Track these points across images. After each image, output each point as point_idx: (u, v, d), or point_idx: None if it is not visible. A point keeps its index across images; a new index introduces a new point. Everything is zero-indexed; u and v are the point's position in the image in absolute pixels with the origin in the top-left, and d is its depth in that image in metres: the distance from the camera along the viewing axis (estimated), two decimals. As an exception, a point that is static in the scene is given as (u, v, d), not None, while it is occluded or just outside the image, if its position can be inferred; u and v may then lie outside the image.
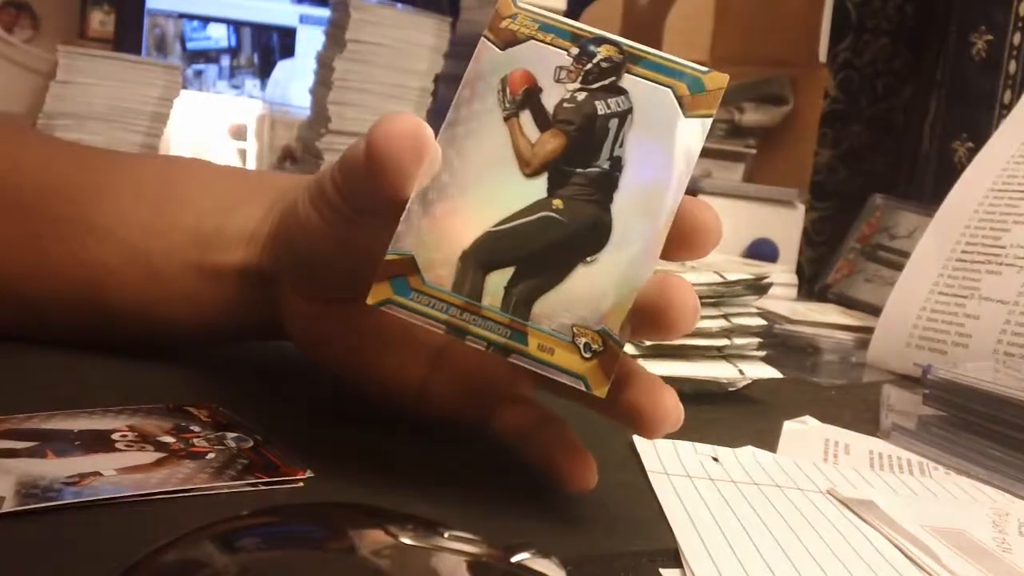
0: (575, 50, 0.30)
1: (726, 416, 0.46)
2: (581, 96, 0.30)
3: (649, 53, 0.30)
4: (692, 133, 0.30)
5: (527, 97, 0.30)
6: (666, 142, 0.30)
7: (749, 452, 0.39)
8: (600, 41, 0.30)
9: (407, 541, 0.20)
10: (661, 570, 0.27)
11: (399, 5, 1.19)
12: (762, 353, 0.50)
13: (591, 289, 0.28)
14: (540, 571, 0.21)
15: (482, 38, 0.30)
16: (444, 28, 1.09)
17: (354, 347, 0.34)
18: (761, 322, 0.50)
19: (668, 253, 0.29)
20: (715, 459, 0.38)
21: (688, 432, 0.40)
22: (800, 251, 0.95)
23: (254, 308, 0.38)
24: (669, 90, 0.30)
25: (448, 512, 0.29)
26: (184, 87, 1.06)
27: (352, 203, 0.30)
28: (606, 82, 0.30)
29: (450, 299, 0.28)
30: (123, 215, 0.39)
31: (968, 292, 0.61)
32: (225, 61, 3.37)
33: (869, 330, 0.65)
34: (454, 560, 0.20)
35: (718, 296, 0.49)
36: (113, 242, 0.38)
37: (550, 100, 0.30)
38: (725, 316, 0.48)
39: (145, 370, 0.39)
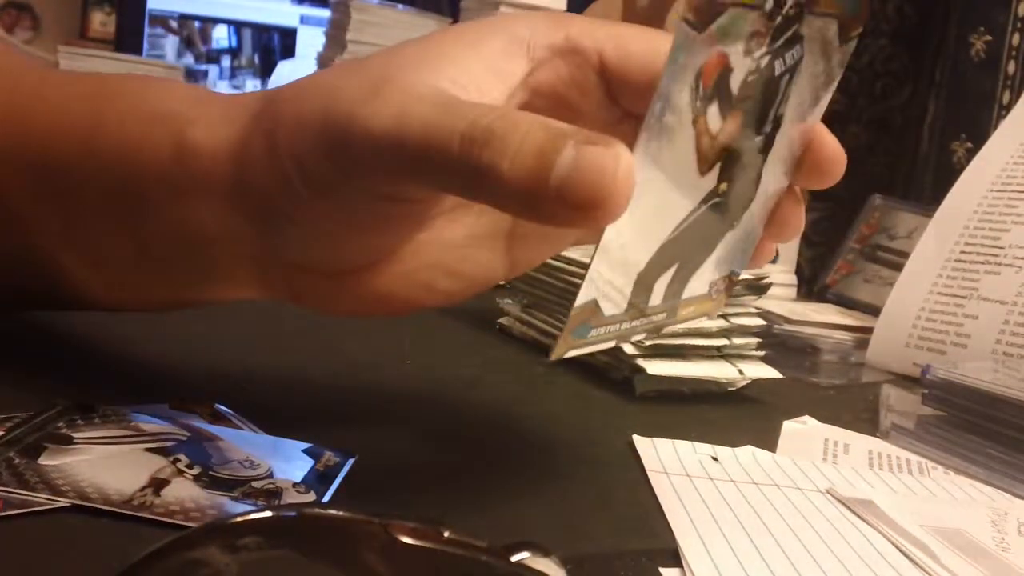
0: (769, 2, 0.25)
1: (725, 416, 0.46)
2: (765, 61, 0.25)
3: None
4: (842, 61, 0.28)
5: (717, 85, 0.25)
6: (819, 82, 0.27)
7: (748, 452, 0.39)
8: None
9: (407, 541, 0.20)
10: (661, 569, 0.27)
11: (399, 6, 1.19)
12: (761, 353, 0.50)
13: (732, 248, 0.28)
14: (540, 570, 0.21)
15: (679, 22, 0.23)
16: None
17: (418, 274, 0.32)
18: (760, 322, 0.50)
19: (794, 180, 0.30)
20: (714, 458, 0.38)
21: (687, 432, 0.40)
22: (799, 251, 0.95)
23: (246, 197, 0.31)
24: (835, 21, 0.27)
25: (448, 511, 0.29)
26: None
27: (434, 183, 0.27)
28: (789, 33, 0.26)
29: (621, 318, 0.27)
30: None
31: (967, 292, 0.61)
32: (226, 62, 3.37)
33: (868, 330, 0.65)
34: (454, 560, 0.20)
35: (717, 296, 0.49)
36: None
37: (737, 79, 0.25)
38: (724, 316, 0.48)
39: (145, 368, 0.39)
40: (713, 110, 0.25)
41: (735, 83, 0.25)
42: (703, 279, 0.29)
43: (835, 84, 0.29)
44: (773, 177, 0.29)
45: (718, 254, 0.29)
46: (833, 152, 0.30)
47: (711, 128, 0.25)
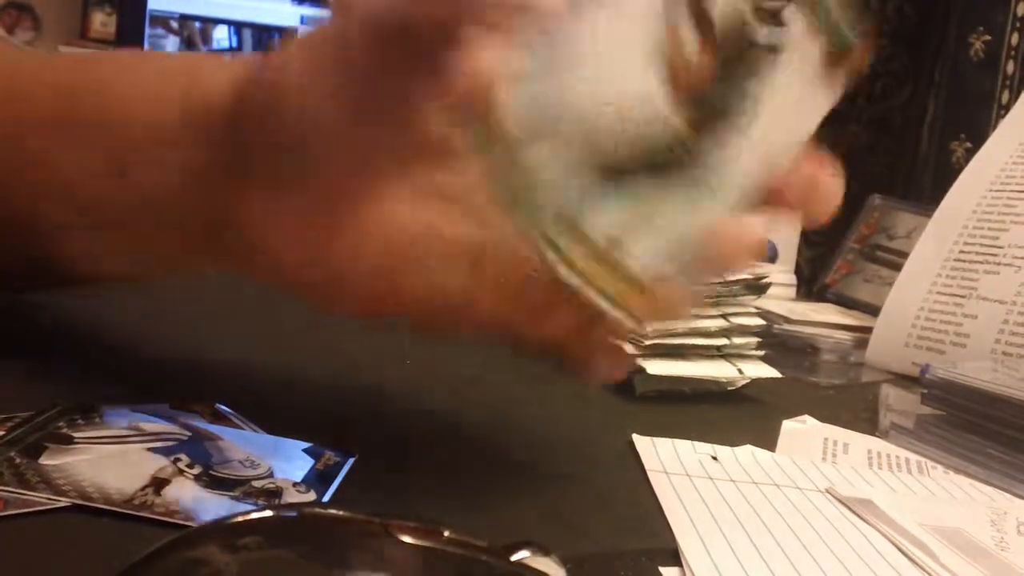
0: None
1: (725, 415, 0.46)
2: (747, 10, 0.25)
3: None
4: (825, 101, 0.27)
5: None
6: (804, 107, 0.27)
7: (748, 451, 0.39)
8: None
9: (407, 541, 0.20)
10: (660, 569, 0.27)
11: (399, 6, 1.18)
12: (761, 353, 0.50)
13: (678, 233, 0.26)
14: (540, 569, 0.21)
15: None
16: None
17: (369, 266, 0.30)
18: (760, 322, 0.50)
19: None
20: (714, 458, 0.38)
21: (687, 431, 0.40)
22: (799, 251, 0.95)
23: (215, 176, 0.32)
24: (817, 47, 0.26)
25: (448, 511, 0.29)
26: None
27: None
28: (778, 4, 0.25)
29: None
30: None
31: (966, 292, 0.61)
32: (225, 62, 3.37)
33: (868, 330, 0.65)
34: (454, 560, 0.20)
35: (717, 296, 0.49)
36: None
37: (715, 5, 0.25)
38: (724, 316, 0.48)
39: (145, 368, 0.39)
40: (688, 27, 0.24)
41: (713, 9, 0.25)
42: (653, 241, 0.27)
43: (820, 116, 0.28)
44: (734, 189, 0.27)
45: (672, 217, 0.27)
46: (828, 184, 0.29)
47: (686, 47, 0.24)
